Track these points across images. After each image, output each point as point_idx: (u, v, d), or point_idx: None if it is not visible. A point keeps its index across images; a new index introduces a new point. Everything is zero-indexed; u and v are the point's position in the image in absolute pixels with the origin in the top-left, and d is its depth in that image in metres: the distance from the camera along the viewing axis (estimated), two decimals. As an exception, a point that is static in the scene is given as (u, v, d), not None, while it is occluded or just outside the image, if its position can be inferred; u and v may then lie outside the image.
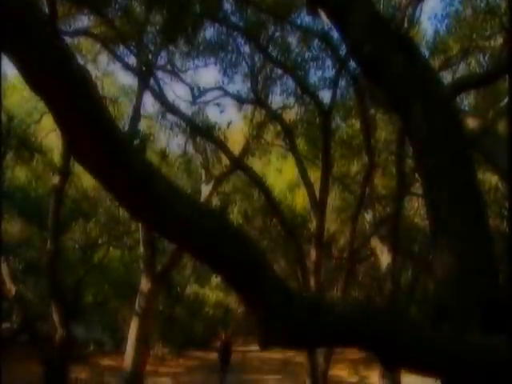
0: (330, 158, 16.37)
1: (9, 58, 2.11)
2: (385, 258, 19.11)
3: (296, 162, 18.37)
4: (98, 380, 21.58)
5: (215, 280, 32.57)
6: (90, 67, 18.94)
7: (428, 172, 4.05)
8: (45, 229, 17.33)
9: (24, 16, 2.05)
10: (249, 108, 20.52)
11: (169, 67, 18.88)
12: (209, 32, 16.63)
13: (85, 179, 22.43)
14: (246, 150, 19.97)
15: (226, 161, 20.60)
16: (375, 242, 20.10)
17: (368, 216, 21.42)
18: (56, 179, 15.21)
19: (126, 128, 17.77)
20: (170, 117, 19.78)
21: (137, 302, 19.81)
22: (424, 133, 4.02)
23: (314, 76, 25.08)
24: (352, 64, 14.60)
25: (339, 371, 24.17)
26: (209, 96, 20.33)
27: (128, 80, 25.64)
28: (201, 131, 18.97)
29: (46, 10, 11.27)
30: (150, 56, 17.39)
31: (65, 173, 15.00)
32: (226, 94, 19.35)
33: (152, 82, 18.23)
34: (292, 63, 16.62)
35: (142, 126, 20.52)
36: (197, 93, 19.78)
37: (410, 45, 4.26)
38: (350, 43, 4.59)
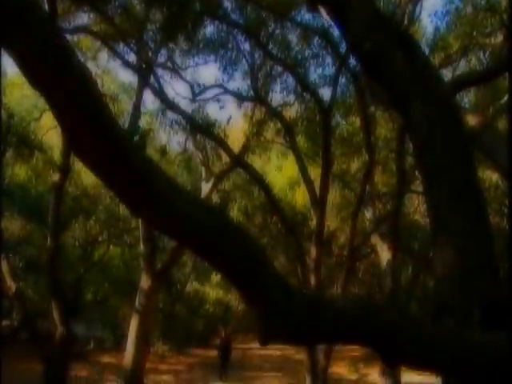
0: (330, 156, 16.36)
1: (9, 55, 2.11)
2: (385, 255, 19.12)
3: (296, 159, 18.36)
4: (99, 377, 21.59)
5: (215, 277, 32.60)
6: (89, 65, 18.93)
7: (428, 169, 4.05)
8: (45, 226, 17.34)
9: (24, 13, 2.05)
10: (249, 105, 20.50)
11: (169, 65, 18.89)
12: (209, 29, 16.68)
13: (85, 177, 22.45)
14: (246, 148, 19.97)
15: (226, 158, 20.61)
16: (375, 240, 20.10)
17: (368, 213, 21.42)
18: (56, 177, 15.22)
19: (126, 125, 17.77)
20: (169, 114, 19.78)
21: (137, 300, 19.83)
22: (424, 130, 4.02)
23: (314, 73, 25.00)
24: (352, 61, 14.62)
25: (339, 369, 24.20)
26: (209, 93, 20.34)
27: (128, 77, 25.61)
28: (201, 129, 18.96)
29: (46, 8, 11.27)
30: (150, 53, 17.39)
31: (65, 170, 15.00)
32: (226, 91, 19.34)
33: (152, 79, 18.22)
34: (292, 61, 16.61)
35: (142, 123, 20.53)
36: (197, 90, 19.78)
37: (410, 41, 4.26)
38: (350, 40, 4.59)
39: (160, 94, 18.30)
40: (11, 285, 15.12)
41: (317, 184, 17.03)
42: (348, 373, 24.62)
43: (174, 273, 28.11)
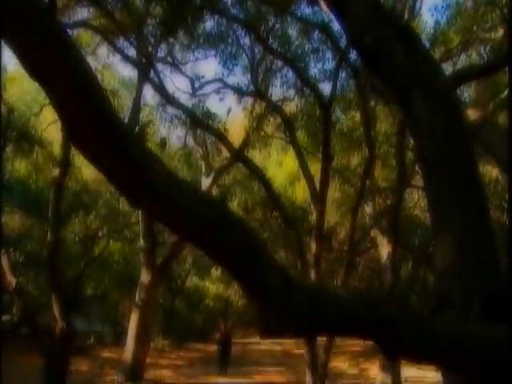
0: (330, 151, 16.33)
1: (9, 46, 2.10)
2: (385, 250, 19.14)
3: (296, 154, 18.35)
4: (99, 372, 21.63)
5: (215, 272, 32.66)
6: (89, 59, 18.89)
7: (428, 164, 4.04)
8: (45, 221, 17.34)
9: (24, 3, 2.05)
10: (249, 100, 20.50)
11: (169, 59, 18.87)
12: (209, 24, 16.61)
13: (85, 172, 22.45)
14: (246, 143, 19.97)
15: (226, 153, 20.61)
16: (375, 235, 20.11)
17: (368, 208, 21.45)
18: (56, 172, 15.21)
19: (127, 120, 17.76)
20: (170, 109, 19.79)
21: (137, 295, 19.88)
22: (425, 124, 4.01)
23: (314, 68, 25.00)
24: (352, 56, 14.60)
25: (339, 363, 24.25)
26: (209, 88, 20.34)
27: (128, 72, 25.59)
28: (201, 123, 18.96)
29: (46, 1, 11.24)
30: (149, 48, 17.37)
31: (65, 165, 14.99)
32: (226, 86, 19.33)
33: (152, 74, 18.21)
34: (292, 55, 16.60)
35: (142, 118, 20.50)
36: (197, 85, 19.77)
37: (410, 34, 4.24)
38: (351, 34, 4.58)
39: (160, 88, 18.31)
40: (11, 280, 15.12)
41: (317, 179, 17.03)
42: (348, 367, 24.66)
43: (174, 268, 28.13)
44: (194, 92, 19.87)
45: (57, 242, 14.77)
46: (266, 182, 18.55)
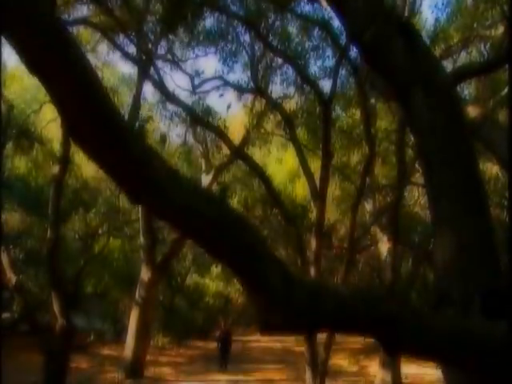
0: (330, 148, 16.32)
1: (9, 43, 2.10)
2: (385, 247, 19.14)
3: (296, 151, 18.34)
4: (99, 369, 21.65)
5: (215, 270, 32.68)
6: (89, 57, 18.88)
7: (429, 161, 4.04)
8: (45, 219, 17.35)
9: (24, 1, 2.05)
10: (249, 97, 20.49)
11: (169, 56, 18.86)
12: (209, 21, 16.59)
13: (85, 169, 22.46)
14: (246, 140, 19.96)
15: (226, 150, 20.61)
16: (375, 232, 20.11)
17: (368, 206, 21.44)
18: (56, 169, 15.22)
19: (126, 117, 17.76)
20: (169, 106, 19.78)
21: (137, 292, 19.89)
22: (425, 121, 4.01)
23: (315, 65, 24.92)
24: (352, 53, 14.59)
25: (339, 360, 24.25)
26: (209, 85, 20.34)
27: (128, 69, 25.57)
28: (201, 120, 18.96)
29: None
30: (149, 45, 17.36)
31: (64, 162, 15.00)
32: (226, 83, 19.33)
33: (152, 71, 18.20)
34: (292, 52, 16.59)
35: (142, 115, 20.50)
36: (197, 82, 19.77)
37: (410, 31, 4.24)
38: (351, 31, 4.57)
39: (160, 85, 18.29)
40: (11, 277, 15.13)
41: (317, 176, 17.02)
42: (348, 365, 24.67)
43: (174, 265, 28.14)
44: (193, 89, 19.88)
45: (57, 239, 14.78)
46: (266, 180, 18.53)
